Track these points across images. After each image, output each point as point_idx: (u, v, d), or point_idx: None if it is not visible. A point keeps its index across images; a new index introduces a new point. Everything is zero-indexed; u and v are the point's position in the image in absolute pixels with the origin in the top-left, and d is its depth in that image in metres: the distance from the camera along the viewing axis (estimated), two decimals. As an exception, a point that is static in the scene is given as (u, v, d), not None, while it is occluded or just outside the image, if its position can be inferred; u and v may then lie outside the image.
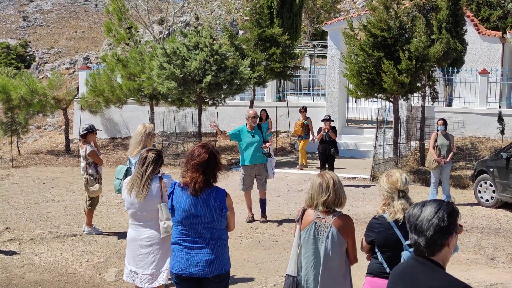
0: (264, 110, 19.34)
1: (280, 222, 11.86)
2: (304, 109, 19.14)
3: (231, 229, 5.29)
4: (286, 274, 4.97)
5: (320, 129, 15.71)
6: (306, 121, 18.88)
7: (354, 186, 16.07)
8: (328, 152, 15.39)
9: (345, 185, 14.66)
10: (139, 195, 5.94)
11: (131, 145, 7.36)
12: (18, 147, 23.70)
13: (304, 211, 4.95)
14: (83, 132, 10.82)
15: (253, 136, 11.69)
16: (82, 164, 10.85)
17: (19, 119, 23.70)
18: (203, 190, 5.02)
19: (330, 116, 16.08)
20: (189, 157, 5.11)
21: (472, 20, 23.86)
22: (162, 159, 6.22)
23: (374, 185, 15.84)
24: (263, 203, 11.92)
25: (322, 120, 15.75)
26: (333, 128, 15.60)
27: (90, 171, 10.73)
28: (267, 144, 11.68)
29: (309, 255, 4.86)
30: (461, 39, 20.29)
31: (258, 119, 12.12)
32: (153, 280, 6.03)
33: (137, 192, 5.96)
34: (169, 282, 7.51)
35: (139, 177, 5.99)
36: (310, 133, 18.91)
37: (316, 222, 4.84)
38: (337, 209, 4.90)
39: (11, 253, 9.54)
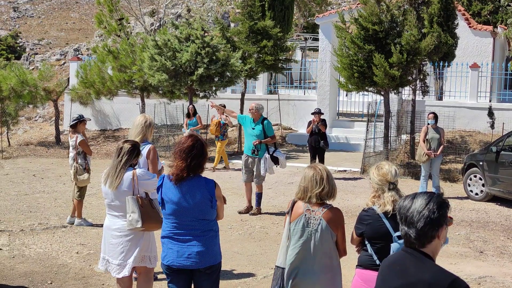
0: (192, 105, 18.42)
1: (271, 215, 11.89)
2: (222, 107, 17.80)
3: (220, 217, 5.30)
4: (276, 266, 4.98)
5: (310, 122, 15.71)
6: (224, 120, 17.67)
7: (344, 179, 16.11)
8: (317, 145, 15.41)
9: (335, 178, 14.68)
10: (112, 185, 5.96)
11: (131, 136, 7.26)
12: (8, 138, 23.60)
13: (294, 203, 4.96)
14: (73, 122, 10.83)
15: (253, 129, 11.68)
16: (72, 154, 10.85)
17: (9, 110, 23.61)
18: (188, 178, 5.04)
19: (320, 109, 16.09)
20: (176, 146, 5.17)
21: (463, 14, 23.91)
22: (138, 150, 6.19)
23: (364, 178, 15.89)
24: (257, 196, 11.98)
25: (312, 113, 15.75)
26: (323, 120, 15.60)
27: (79, 161, 10.74)
28: (256, 141, 11.59)
29: (298, 247, 4.87)
30: (452, 33, 20.34)
31: (258, 112, 11.86)
32: (120, 271, 6.03)
33: (110, 182, 5.97)
34: (161, 273, 7.53)
35: (114, 167, 6.00)
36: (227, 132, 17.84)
37: (305, 215, 4.85)
38: (327, 202, 4.91)
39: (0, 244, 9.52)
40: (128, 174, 5.99)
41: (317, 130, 15.42)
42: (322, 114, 15.91)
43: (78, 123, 10.83)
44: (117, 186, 5.95)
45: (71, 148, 10.93)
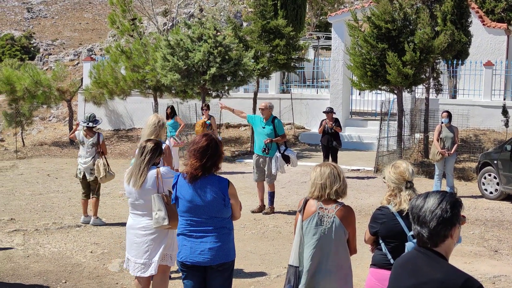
0: (171, 107, 17.20)
1: (284, 214, 11.89)
2: (206, 107, 16.54)
3: (237, 217, 5.31)
4: (288, 265, 4.98)
5: (322, 122, 15.66)
6: (209, 120, 16.68)
7: (357, 178, 16.07)
8: (330, 144, 15.38)
9: (349, 177, 14.69)
10: (136, 183, 5.98)
11: (144, 136, 7.27)
12: (22, 139, 23.76)
13: (306, 201, 4.96)
14: (96, 124, 10.97)
15: (263, 128, 11.67)
16: (93, 153, 10.91)
17: (23, 110, 23.76)
18: (201, 177, 5.06)
19: (332, 108, 16.03)
20: (191, 145, 5.18)
21: (477, 12, 23.76)
22: (161, 149, 6.23)
23: (378, 177, 15.84)
24: (269, 195, 11.98)
25: (324, 112, 15.72)
26: (336, 120, 15.54)
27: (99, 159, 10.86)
28: (267, 140, 11.55)
29: (311, 245, 4.86)
30: (466, 31, 20.22)
31: (270, 111, 11.83)
32: (145, 270, 6.05)
33: (134, 181, 5.99)
34: (176, 272, 7.55)
35: (138, 166, 6.03)
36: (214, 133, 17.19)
37: (319, 213, 4.85)
38: (338, 200, 4.91)
39: (15, 243, 9.58)
40: (152, 173, 6.01)
41: (329, 130, 15.36)
42: (334, 113, 15.85)
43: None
44: (141, 185, 5.98)
45: (89, 147, 10.96)
